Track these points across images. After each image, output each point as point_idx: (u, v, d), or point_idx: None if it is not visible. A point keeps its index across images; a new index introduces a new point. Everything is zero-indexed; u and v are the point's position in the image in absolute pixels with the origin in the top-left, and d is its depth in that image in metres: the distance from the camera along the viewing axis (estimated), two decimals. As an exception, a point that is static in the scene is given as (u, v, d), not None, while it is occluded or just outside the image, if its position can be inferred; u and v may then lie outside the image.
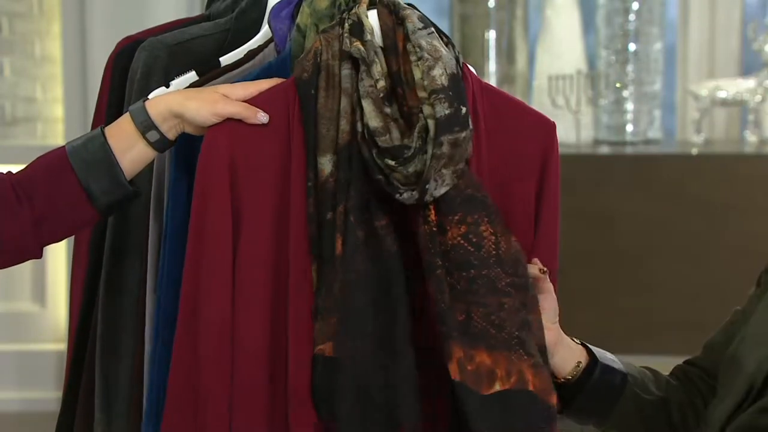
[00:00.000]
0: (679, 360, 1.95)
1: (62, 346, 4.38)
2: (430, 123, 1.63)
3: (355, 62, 1.67)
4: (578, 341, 1.82)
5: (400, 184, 1.64)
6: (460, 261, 1.68)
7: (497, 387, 1.66)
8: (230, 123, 1.68)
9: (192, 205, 1.67)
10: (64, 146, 1.71)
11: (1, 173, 1.70)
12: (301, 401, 1.67)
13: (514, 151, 1.78)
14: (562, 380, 1.79)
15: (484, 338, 1.67)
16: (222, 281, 1.67)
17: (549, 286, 1.75)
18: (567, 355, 1.79)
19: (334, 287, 1.66)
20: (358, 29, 1.67)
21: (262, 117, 1.69)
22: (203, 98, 1.69)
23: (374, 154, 1.64)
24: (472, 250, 1.68)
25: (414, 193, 1.64)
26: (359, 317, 1.67)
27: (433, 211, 1.67)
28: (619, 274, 4.12)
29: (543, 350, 1.70)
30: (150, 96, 1.78)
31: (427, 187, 1.64)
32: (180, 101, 1.70)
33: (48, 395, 4.44)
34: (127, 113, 1.71)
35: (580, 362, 1.80)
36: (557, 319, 1.76)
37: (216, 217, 1.66)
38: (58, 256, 4.54)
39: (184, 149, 1.76)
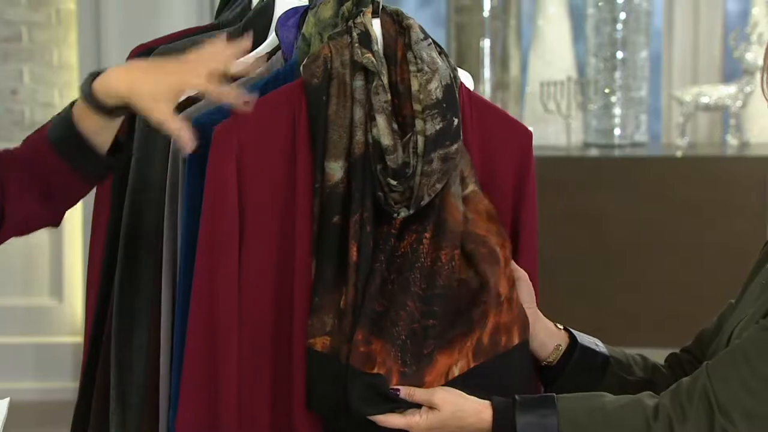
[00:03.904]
0: (665, 352, 1.94)
1: (79, 338, 4.37)
2: (420, 140, 1.62)
3: (367, 73, 1.65)
4: (561, 326, 1.81)
5: (394, 203, 1.63)
6: (401, 266, 1.66)
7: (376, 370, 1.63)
8: (236, 123, 1.66)
9: (203, 204, 1.66)
10: (47, 125, 1.69)
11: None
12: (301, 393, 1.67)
13: (494, 155, 1.77)
14: (544, 363, 1.78)
15: (383, 333, 1.63)
16: (233, 276, 1.65)
17: (521, 273, 1.75)
18: (545, 337, 1.78)
19: (347, 290, 1.64)
20: (367, 39, 1.65)
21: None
22: (156, 81, 1.68)
23: (378, 170, 1.63)
24: (410, 257, 1.66)
25: (409, 210, 1.64)
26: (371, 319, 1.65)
27: (398, 220, 1.66)
28: (607, 271, 4.11)
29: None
30: None
31: (421, 203, 1.63)
32: (128, 86, 1.69)
33: (65, 385, 4.43)
34: (79, 98, 1.68)
35: (560, 345, 1.79)
36: (533, 303, 1.76)
37: (225, 214, 1.65)
38: (75, 252, 4.53)
39: (199, 156, 1.74)
